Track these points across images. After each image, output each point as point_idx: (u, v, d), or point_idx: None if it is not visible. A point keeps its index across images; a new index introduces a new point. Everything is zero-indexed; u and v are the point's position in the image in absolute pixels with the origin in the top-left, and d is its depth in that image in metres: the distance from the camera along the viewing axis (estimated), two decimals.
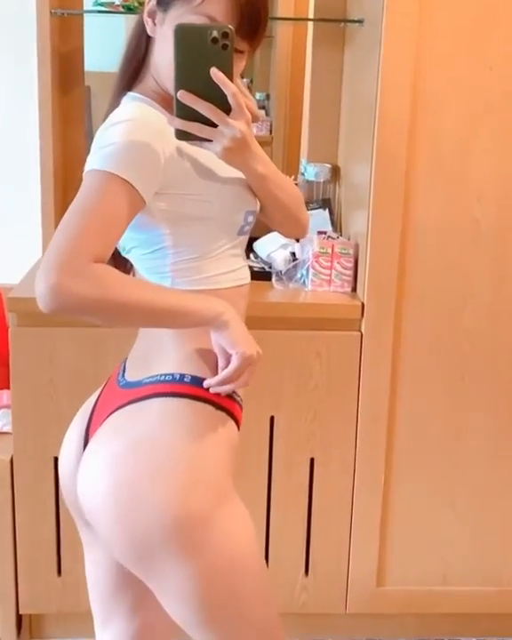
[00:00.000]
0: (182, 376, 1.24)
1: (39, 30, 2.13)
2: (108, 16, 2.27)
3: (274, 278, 2.13)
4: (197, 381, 1.24)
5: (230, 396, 1.27)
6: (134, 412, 1.24)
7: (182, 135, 1.15)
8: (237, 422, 1.29)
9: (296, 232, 1.51)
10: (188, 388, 1.23)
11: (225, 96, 1.13)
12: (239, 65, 1.23)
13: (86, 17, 2.25)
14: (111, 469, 1.19)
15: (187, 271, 1.28)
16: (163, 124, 1.20)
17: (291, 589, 2.18)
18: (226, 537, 1.18)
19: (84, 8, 2.26)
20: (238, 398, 1.30)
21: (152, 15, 1.26)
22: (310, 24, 2.32)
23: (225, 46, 1.10)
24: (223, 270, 1.31)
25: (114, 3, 2.15)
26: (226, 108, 1.14)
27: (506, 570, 2.23)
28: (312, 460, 2.11)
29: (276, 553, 2.15)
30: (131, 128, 1.18)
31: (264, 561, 1.23)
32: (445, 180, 1.97)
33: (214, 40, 1.10)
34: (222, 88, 1.12)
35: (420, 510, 2.17)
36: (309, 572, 2.18)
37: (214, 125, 1.15)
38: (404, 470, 2.14)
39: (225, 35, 1.10)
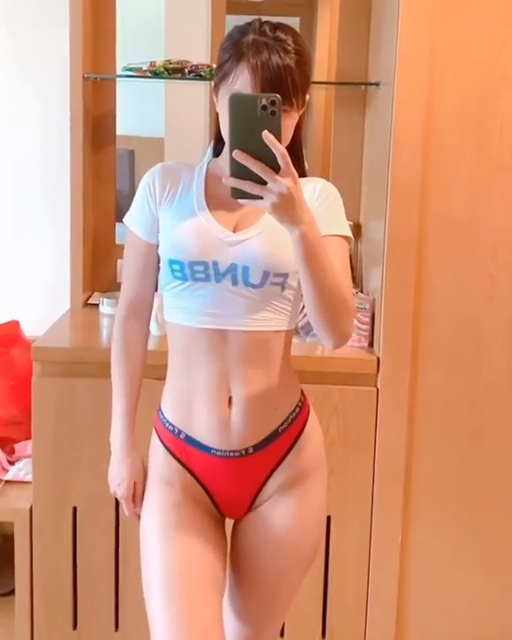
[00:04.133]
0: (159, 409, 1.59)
1: (72, 93, 2.26)
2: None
3: None
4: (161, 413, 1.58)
5: (165, 428, 1.54)
6: None
7: (236, 193, 1.26)
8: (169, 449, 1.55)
9: (327, 334, 1.41)
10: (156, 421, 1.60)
11: (275, 157, 1.23)
12: (286, 123, 1.36)
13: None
14: None
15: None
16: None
17: None
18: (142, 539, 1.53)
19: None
20: (171, 427, 1.54)
21: (215, 93, 1.46)
22: (334, 88, 2.41)
23: (273, 113, 1.23)
24: (170, 305, 1.53)
25: (142, 68, 2.25)
26: (275, 168, 1.24)
27: None
28: (329, 518, 2.08)
29: (293, 613, 2.08)
30: None
31: (169, 586, 1.43)
32: (458, 237, 2.00)
33: (264, 107, 1.23)
34: (272, 149, 1.22)
35: (440, 570, 2.12)
36: (326, 635, 2.14)
37: (265, 184, 1.24)
38: (422, 528, 2.10)
39: (273, 102, 1.23)
